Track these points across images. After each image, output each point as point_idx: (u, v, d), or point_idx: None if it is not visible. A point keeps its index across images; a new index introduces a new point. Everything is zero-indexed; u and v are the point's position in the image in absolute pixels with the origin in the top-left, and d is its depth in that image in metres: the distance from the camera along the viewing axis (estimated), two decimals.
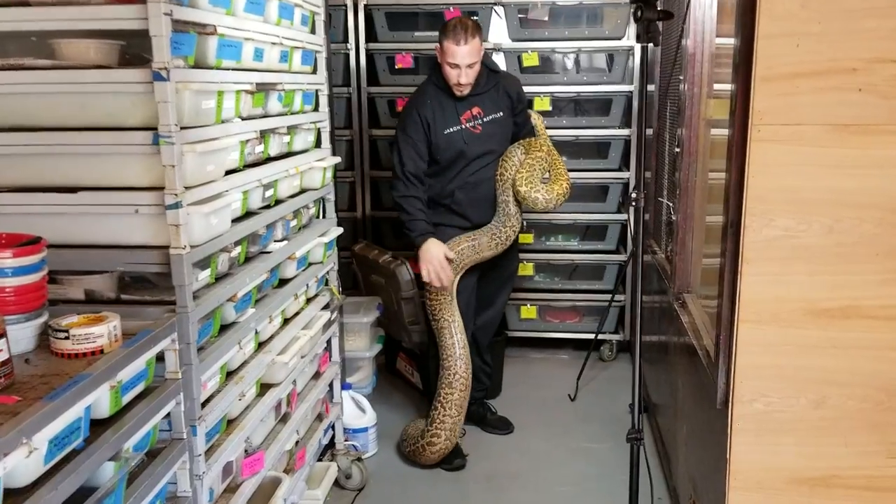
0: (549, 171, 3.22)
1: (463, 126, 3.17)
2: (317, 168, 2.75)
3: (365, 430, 3.36)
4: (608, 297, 4.23)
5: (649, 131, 3.73)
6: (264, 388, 2.37)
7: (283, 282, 2.53)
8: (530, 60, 4.25)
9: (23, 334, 1.56)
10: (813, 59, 1.71)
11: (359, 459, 3.15)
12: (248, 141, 2.23)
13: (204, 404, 1.94)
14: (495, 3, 4.23)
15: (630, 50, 4.20)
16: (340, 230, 2.97)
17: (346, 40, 4.43)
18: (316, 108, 2.86)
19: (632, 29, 4.20)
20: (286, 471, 2.52)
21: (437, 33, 3.17)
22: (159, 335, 1.62)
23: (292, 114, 2.59)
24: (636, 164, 4.11)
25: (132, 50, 1.89)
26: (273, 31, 2.35)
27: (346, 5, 4.36)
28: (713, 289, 2.17)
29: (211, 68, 1.97)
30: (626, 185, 4.32)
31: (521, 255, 4.15)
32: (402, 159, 3.17)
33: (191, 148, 1.78)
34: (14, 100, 1.83)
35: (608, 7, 4.21)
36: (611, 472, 3.18)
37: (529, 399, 3.94)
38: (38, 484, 1.25)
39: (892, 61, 1.69)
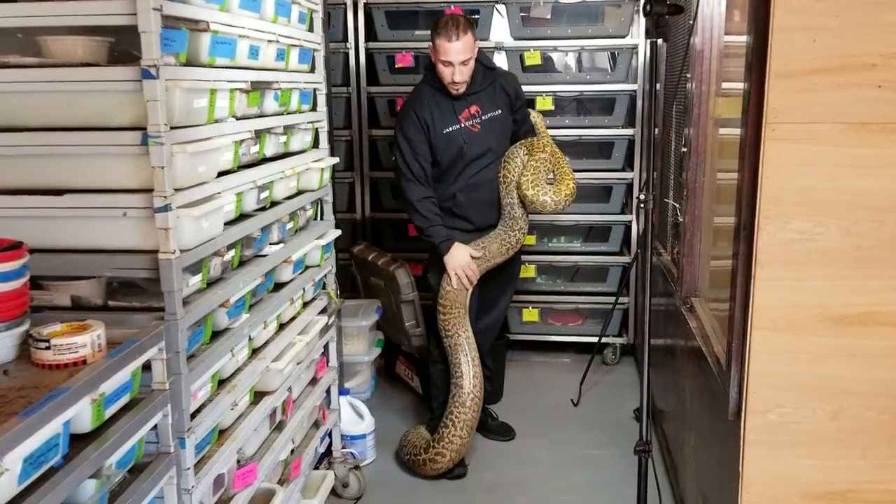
0: (553, 172, 3.15)
1: (462, 125, 3.10)
2: (314, 169, 2.67)
3: (363, 436, 3.29)
4: (612, 299, 4.15)
5: (655, 131, 3.66)
6: (258, 396, 2.29)
7: (279, 286, 2.46)
8: (532, 59, 4.18)
9: (2, 344, 1.49)
10: (830, 55, 1.64)
11: (356, 467, 3.08)
12: (242, 141, 2.15)
13: (194, 415, 1.86)
14: (497, 2, 4.17)
15: (634, 48, 4.13)
16: (338, 232, 2.90)
17: (345, 39, 4.37)
18: (314, 108, 2.79)
19: (635, 27, 4.13)
20: (281, 481, 2.45)
21: None
22: (145, 344, 1.55)
23: (289, 113, 2.51)
24: (645, 164, 4.08)
25: (121, 47, 1.82)
26: (269, 28, 2.27)
27: (345, 4, 4.29)
28: (722, 291, 2.10)
29: (204, 66, 1.90)
30: (630, 185, 4.24)
31: (523, 257, 4.06)
32: (408, 162, 3.11)
33: (181, 148, 1.70)
34: None
35: (611, 5, 4.14)
36: (615, 480, 3.11)
37: (531, 404, 3.87)
38: None
39: None
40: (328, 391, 3.00)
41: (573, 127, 4.24)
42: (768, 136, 1.68)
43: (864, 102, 1.64)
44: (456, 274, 3.09)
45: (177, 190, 1.72)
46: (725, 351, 1.94)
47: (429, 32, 3.05)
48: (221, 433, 2.07)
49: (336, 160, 2.89)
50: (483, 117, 3.13)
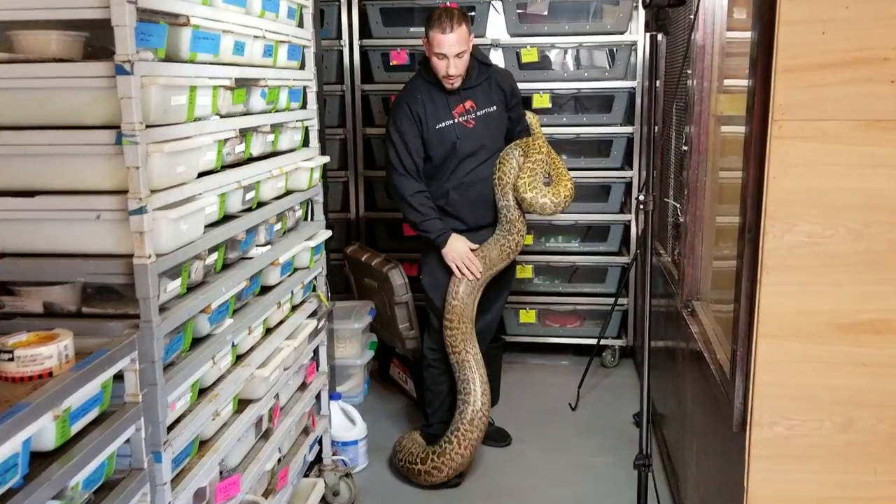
0: (549, 172, 3.07)
1: (456, 120, 3.02)
2: (303, 168, 2.59)
3: (355, 442, 3.21)
4: (610, 300, 4.07)
5: (655, 129, 3.57)
6: (243, 404, 2.21)
7: (266, 289, 2.37)
8: (529, 56, 4.10)
9: None
10: (840, 48, 1.55)
11: (347, 475, 2.99)
12: (226, 140, 2.07)
13: (172, 427, 1.78)
14: None
15: (633, 45, 4.04)
16: (328, 233, 2.82)
17: (339, 36, 4.29)
18: (304, 106, 2.70)
19: (634, 23, 4.05)
20: (267, 492, 2.36)
21: None
22: (116, 355, 1.46)
23: (277, 111, 2.43)
24: (644, 163, 4.00)
25: (97, 42, 1.73)
26: (256, 23, 2.19)
27: (339, 0, 4.21)
28: (725, 293, 2.02)
29: (185, 62, 1.82)
30: (629, 184, 4.16)
31: (520, 257, 3.99)
32: (400, 156, 3.03)
33: (157, 148, 1.62)
34: None
35: (609, 2, 4.06)
36: (614, 489, 3.03)
37: (528, 409, 3.79)
38: None
39: None
40: (318, 396, 2.91)
41: (571, 125, 4.16)
42: (774, 134, 1.60)
43: (877, 98, 1.56)
44: (457, 266, 3.02)
45: (153, 191, 1.63)
46: (729, 359, 1.85)
47: (424, 29, 2.97)
48: (202, 444, 1.98)
49: (327, 159, 2.80)
50: (478, 113, 3.05)
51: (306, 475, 2.89)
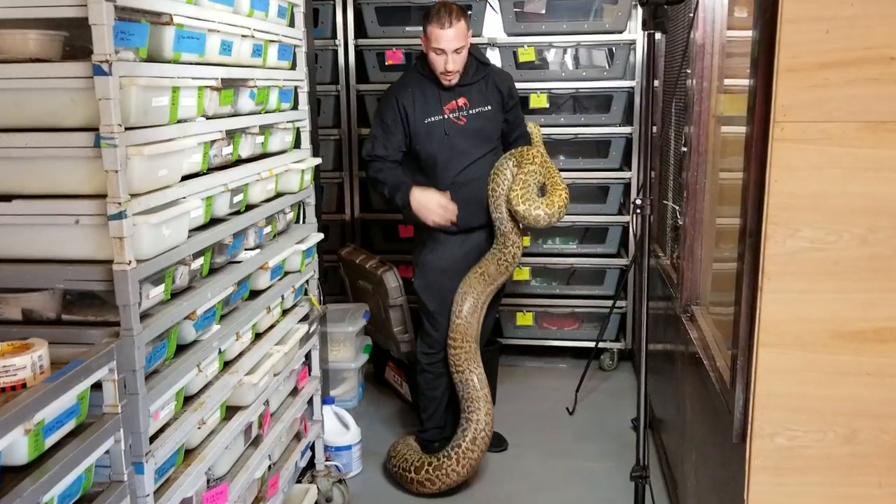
0: (545, 182, 3.00)
1: (445, 116, 2.97)
2: (294, 170, 2.53)
3: (348, 447, 3.16)
4: (609, 302, 4.02)
5: (654, 129, 3.52)
6: (231, 411, 2.15)
7: (256, 293, 2.32)
8: (526, 55, 4.04)
9: None
10: (845, 47, 1.50)
11: (341, 481, 2.94)
12: (213, 142, 2.02)
13: (156, 436, 1.73)
14: None
15: (632, 44, 3.99)
16: (320, 236, 2.76)
17: (334, 36, 4.24)
18: (295, 107, 2.65)
19: (633, 22, 4.00)
20: (257, 500, 2.31)
21: None
22: (92, 365, 1.41)
23: (267, 112, 2.38)
24: (642, 166, 3.94)
25: (77, 42, 1.67)
26: (244, 22, 2.13)
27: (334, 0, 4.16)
28: (725, 295, 1.96)
29: (169, 62, 1.76)
30: (628, 185, 4.11)
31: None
32: (374, 144, 3.00)
33: (137, 151, 1.56)
34: None
35: (607, 0, 4.00)
36: (612, 495, 2.98)
37: (525, 413, 3.73)
38: None
39: None
40: (310, 401, 2.86)
41: (569, 125, 4.11)
42: (776, 136, 1.55)
43: (882, 99, 1.50)
44: (432, 218, 2.92)
45: (133, 195, 1.58)
46: (729, 367, 1.80)
47: (420, 28, 2.92)
48: (188, 453, 1.93)
49: (318, 161, 2.75)
50: (470, 111, 2.99)
51: (299, 481, 2.84)
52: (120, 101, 1.52)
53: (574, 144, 4.17)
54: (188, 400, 1.91)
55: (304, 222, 2.77)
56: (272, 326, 2.43)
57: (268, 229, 2.40)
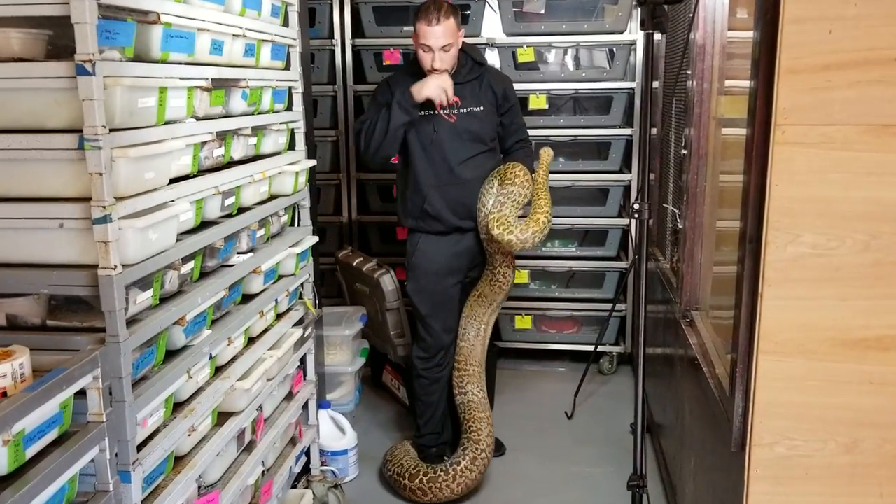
0: (528, 201, 2.91)
1: (437, 112, 2.91)
2: (288, 172, 2.50)
3: (344, 452, 3.13)
4: (608, 306, 3.98)
5: (653, 131, 3.49)
6: (223, 417, 2.12)
7: (249, 297, 2.29)
8: (525, 56, 4.01)
9: None
10: (848, 48, 1.46)
11: (336, 486, 2.91)
12: (204, 144, 1.98)
13: (145, 443, 1.69)
14: None
15: (632, 45, 3.95)
16: (315, 239, 2.73)
17: (331, 36, 4.20)
18: (289, 108, 2.61)
19: (634, 23, 3.96)
20: None
21: None
22: (75, 373, 1.37)
23: (260, 113, 2.34)
24: (640, 169, 3.90)
25: (62, 41, 1.64)
26: (235, 21, 2.10)
27: None
28: (725, 300, 1.93)
29: (157, 62, 1.73)
30: (628, 187, 4.07)
31: (516, 262, 3.89)
32: (365, 117, 2.93)
33: (123, 153, 1.53)
34: None
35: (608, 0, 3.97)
36: (611, 500, 2.95)
37: (523, 417, 3.70)
38: None
39: None
40: (306, 406, 2.83)
41: (568, 126, 4.08)
42: (777, 139, 1.51)
43: (886, 102, 1.47)
44: (435, 95, 2.81)
45: (119, 199, 1.54)
46: (729, 374, 1.76)
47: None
48: (178, 460, 1.89)
49: (313, 163, 2.71)
50: (461, 110, 2.94)
51: (294, 486, 2.81)
52: (104, 102, 1.48)
53: (574, 146, 4.14)
54: (178, 406, 1.88)
55: (298, 225, 2.74)
56: (266, 331, 2.39)
57: (261, 232, 2.36)
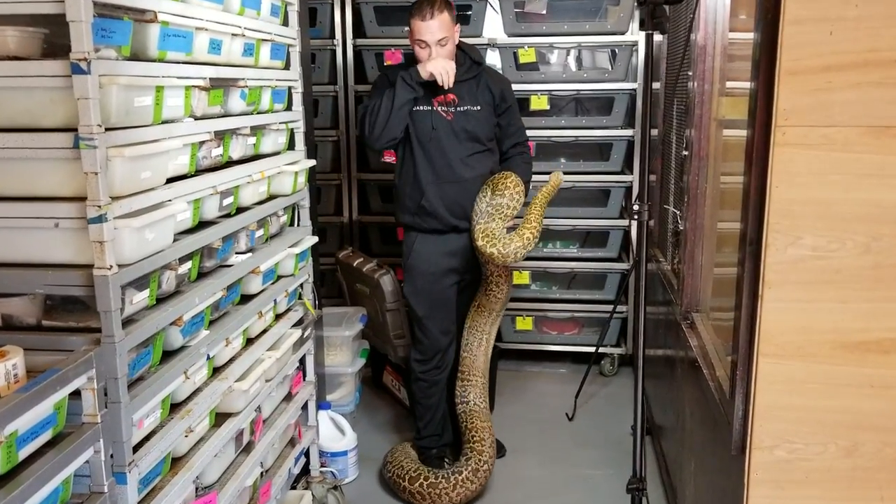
0: (516, 214, 2.90)
1: (434, 108, 2.90)
2: (287, 172, 2.49)
3: (344, 453, 3.12)
4: (609, 307, 3.97)
5: (654, 132, 3.47)
6: (221, 418, 2.11)
7: (248, 298, 2.28)
8: (527, 57, 3.99)
9: None
10: (849, 49, 1.45)
11: (336, 487, 2.90)
12: (202, 143, 1.98)
13: (141, 445, 1.68)
14: None
15: (634, 45, 3.94)
16: (315, 239, 2.72)
17: (332, 36, 4.19)
18: (289, 107, 2.60)
19: (635, 23, 3.94)
20: None
21: None
22: (69, 374, 1.37)
23: (259, 113, 2.33)
24: (640, 171, 3.89)
25: (58, 39, 1.63)
26: (234, 20, 2.09)
27: None
28: (725, 301, 1.92)
29: (154, 61, 1.72)
30: (629, 188, 4.06)
31: (517, 263, 3.89)
32: (366, 103, 2.90)
33: (118, 152, 1.52)
34: None
35: (610, 1, 3.95)
36: (611, 502, 2.93)
37: (524, 418, 3.69)
38: None
39: None
40: (305, 406, 2.82)
41: (570, 127, 4.06)
42: (778, 140, 1.50)
43: (887, 103, 1.45)
44: (438, 73, 2.77)
45: (114, 198, 1.54)
46: (729, 377, 1.75)
47: None
48: (175, 462, 1.89)
49: (312, 163, 2.70)
50: (458, 108, 2.92)
51: (293, 487, 2.80)
52: (100, 101, 1.48)
53: (575, 147, 4.13)
54: (175, 407, 1.87)
55: (298, 225, 2.73)
56: (264, 331, 2.38)
57: (260, 232, 2.35)
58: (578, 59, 4.17)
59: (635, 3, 3.84)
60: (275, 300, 2.44)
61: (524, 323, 4.20)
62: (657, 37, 3.12)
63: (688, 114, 2.53)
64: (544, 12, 3.97)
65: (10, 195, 1.57)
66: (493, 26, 4.09)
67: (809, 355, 1.57)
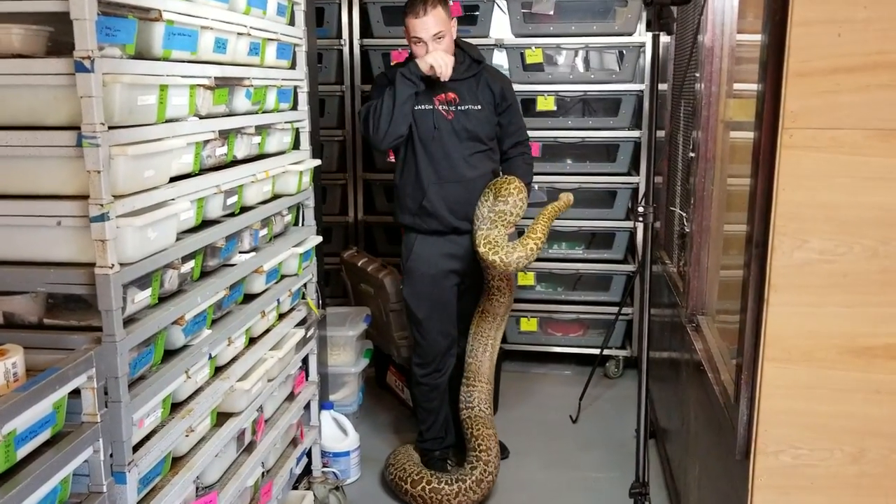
0: (515, 223, 2.89)
1: (435, 107, 2.88)
2: (292, 172, 2.48)
3: (346, 454, 3.11)
4: (615, 309, 3.95)
5: (661, 133, 3.46)
6: (223, 417, 2.10)
7: (251, 297, 2.27)
8: (534, 57, 3.98)
9: None
10: (857, 52, 1.44)
11: (338, 488, 2.89)
12: (206, 142, 1.97)
13: (141, 444, 1.68)
14: None
15: (641, 47, 3.93)
16: (319, 239, 2.71)
17: (339, 36, 4.19)
18: (294, 107, 2.60)
19: (643, 25, 3.92)
20: None
21: None
22: (69, 373, 1.36)
23: (264, 112, 2.33)
24: (646, 173, 3.87)
25: (63, 37, 1.63)
26: (239, 20, 2.08)
27: None
28: (731, 304, 1.90)
29: (159, 59, 1.72)
30: (636, 190, 4.04)
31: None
32: (368, 103, 2.89)
33: (121, 150, 1.51)
34: None
35: (618, 2, 3.94)
36: None
37: (528, 420, 3.67)
38: None
39: None
40: (308, 406, 2.81)
41: (576, 128, 4.05)
42: (785, 143, 1.48)
43: (895, 106, 1.44)
44: (437, 65, 2.75)
45: (117, 197, 1.53)
46: (734, 381, 1.74)
47: None
48: (176, 461, 1.88)
49: (317, 162, 2.70)
50: (459, 107, 2.90)
51: (295, 487, 2.79)
52: (103, 99, 1.47)
53: (581, 148, 4.11)
54: (176, 407, 1.87)
55: (302, 225, 2.72)
56: (267, 331, 2.38)
57: (264, 232, 2.35)
58: (586, 60, 4.16)
59: (643, 8, 3.83)
60: (278, 300, 2.44)
61: (529, 324, 4.19)
62: (665, 38, 3.11)
63: (695, 115, 2.52)
64: (552, 13, 3.95)
65: (12, 193, 1.56)
66: (500, 27, 4.08)
67: (816, 360, 1.56)
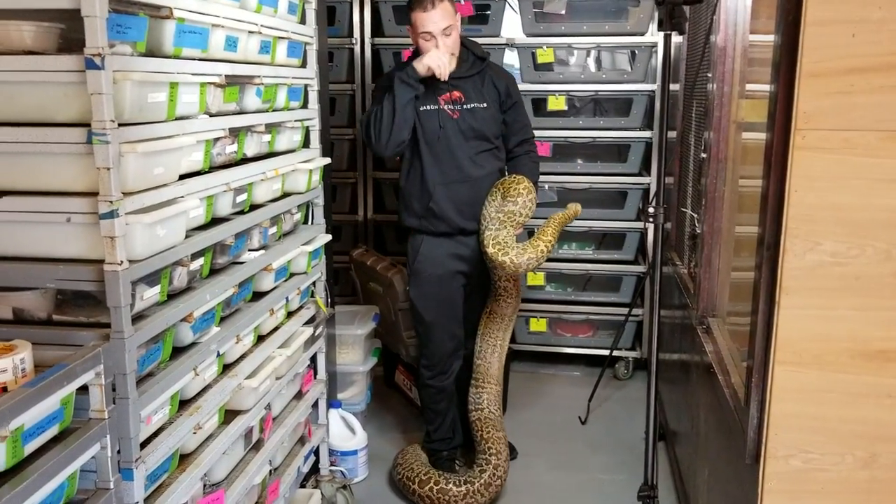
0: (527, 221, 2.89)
1: (441, 106, 2.86)
2: (301, 170, 2.48)
3: (354, 452, 3.11)
4: (625, 310, 3.93)
5: (672, 134, 3.44)
6: (230, 415, 2.11)
7: (260, 295, 2.27)
8: (545, 57, 3.97)
9: None
10: (871, 52, 1.42)
11: (345, 487, 2.89)
12: (216, 140, 1.97)
13: (149, 441, 1.68)
14: None
15: (653, 47, 3.91)
16: (328, 237, 2.71)
17: (350, 34, 4.19)
18: (305, 105, 2.60)
19: (655, 24, 3.90)
20: None
21: None
22: (77, 369, 1.36)
23: (275, 111, 2.33)
24: (657, 173, 3.85)
25: (74, 34, 1.63)
26: (250, 18, 2.08)
27: None
28: (742, 307, 1.89)
29: (169, 57, 1.72)
30: (647, 190, 4.03)
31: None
32: (368, 110, 2.88)
33: (131, 148, 1.52)
34: None
35: (630, 2, 3.92)
36: None
37: (536, 421, 3.66)
38: None
39: None
40: (315, 405, 2.81)
41: (588, 128, 4.03)
42: (797, 144, 1.47)
43: None
44: (435, 64, 2.73)
45: (127, 194, 1.53)
46: (744, 384, 1.72)
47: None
48: (183, 458, 1.88)
49: (327, 161, 2.70)
50: (464, 106, 2.88)
51: (302, 485, 2.79)
52: (113, 96, 1.47)
53: (592, 148, 4.10)
54: (184, 404, 1.87)
55: (312, 223, 2.72)
56: (276, 329, 2.38)
57: (273, 230, 2.35)
58: (597, 60, 4.14)
59: (654, 4, 3.81)
60: (287, 298, 2.44)
61: (538, 324, 4.18)
62: (677, 38, 3.09)
63: (707, 116, 2.50)
64: (563, 12, 3.94)
65: (22, 189, 1.56)
66: (511, 26, 4.07)
67: (827, 364, 1.54)
